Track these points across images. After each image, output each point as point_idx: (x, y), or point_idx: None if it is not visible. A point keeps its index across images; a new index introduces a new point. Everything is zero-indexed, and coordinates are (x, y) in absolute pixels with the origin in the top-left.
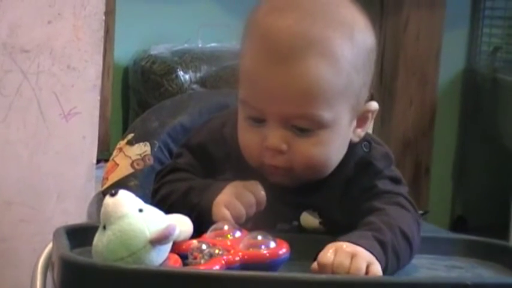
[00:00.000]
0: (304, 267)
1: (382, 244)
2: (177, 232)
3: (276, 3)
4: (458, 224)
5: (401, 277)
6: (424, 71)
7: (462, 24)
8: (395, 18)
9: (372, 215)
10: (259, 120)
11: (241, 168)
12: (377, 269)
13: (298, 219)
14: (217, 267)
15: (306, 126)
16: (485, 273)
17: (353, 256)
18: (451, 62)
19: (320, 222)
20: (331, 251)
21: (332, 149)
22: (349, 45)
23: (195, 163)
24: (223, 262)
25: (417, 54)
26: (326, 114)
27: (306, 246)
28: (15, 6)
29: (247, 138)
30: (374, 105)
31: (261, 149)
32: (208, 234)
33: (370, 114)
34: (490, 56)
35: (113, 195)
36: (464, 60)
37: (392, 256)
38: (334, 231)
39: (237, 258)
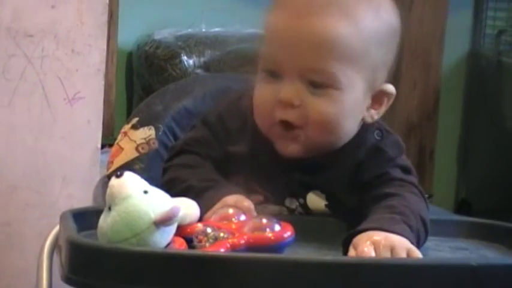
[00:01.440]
0: (308, 249)
1: (410, 228)
2: (181, 214)
3: None
4: (462, 207)
5: (406, 258)
6: (428, 54)
7: (466, 7)
8: (400, 0)
9: (391, 199)
10: (275, 75)
11: (254, 140)
12: (417, 254)
13: (305, 198)
14: (222, 250)
15: (320, 80)
16: (490, 254)
17: (392, 249)
18: (455, 45)
19: (326, 205)
20: (368, 244)
21: (344, 111)
22: (373, 16)
23: (208, 136)
24: (228, 245)
25: (421, 37)
26: (340, 74)
27: (311, 228)
28: None
29: (262, 93)
30: (390, 88)
31: (273, 104)
32: (213, 218)
33: (385, 98)
34: (494, 39)
35: (118, 176)
36: (469, 43)
37: (416, 241)
38: (340, 214)
39: (242, 241)
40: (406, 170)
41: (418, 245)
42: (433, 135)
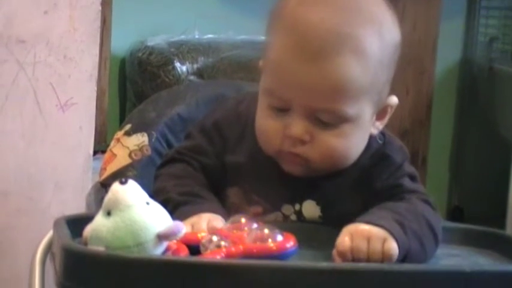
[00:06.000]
0: (301, 256)
1: (401, 225)
2: (183, 231)
3: None
4: (455, 214)
5: (400, 265)
6: (421, 60)
7: (459, 14)
8: (392, 8)
9: (397, 202)
10: (282, 110)
11: (255, 150)
12: (391, 245)
13: (301, 204)
14: (218, 257)
15: (330, 120)
16: (482, 261)
17: (369, 239)
18: (447, 52)
19: (319, 216)
20: (347, 237)
21: (353, 142)
22: (378, 42)
23: (203, 143)
24: (223, 254)
25: (414, 44)
26: (350, 110)
27: (306, 235)
28: None
29: (268, 124)
30: (394, 99)
31: (281, 136)
32: (227, 226)
33: (389, 108)
34: (486, 47)
35: (122, 183)
36: (461, 51)
37: (415, 240)
38: (333, 225)
39: (238, 251)
40: (413, 177)
41: (422, 245)
42: (426, 141)
